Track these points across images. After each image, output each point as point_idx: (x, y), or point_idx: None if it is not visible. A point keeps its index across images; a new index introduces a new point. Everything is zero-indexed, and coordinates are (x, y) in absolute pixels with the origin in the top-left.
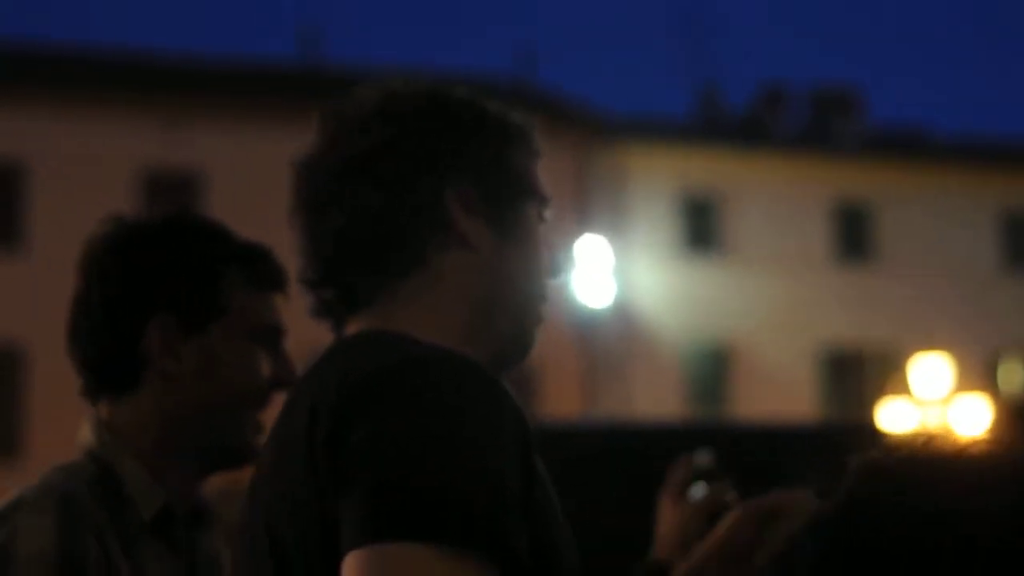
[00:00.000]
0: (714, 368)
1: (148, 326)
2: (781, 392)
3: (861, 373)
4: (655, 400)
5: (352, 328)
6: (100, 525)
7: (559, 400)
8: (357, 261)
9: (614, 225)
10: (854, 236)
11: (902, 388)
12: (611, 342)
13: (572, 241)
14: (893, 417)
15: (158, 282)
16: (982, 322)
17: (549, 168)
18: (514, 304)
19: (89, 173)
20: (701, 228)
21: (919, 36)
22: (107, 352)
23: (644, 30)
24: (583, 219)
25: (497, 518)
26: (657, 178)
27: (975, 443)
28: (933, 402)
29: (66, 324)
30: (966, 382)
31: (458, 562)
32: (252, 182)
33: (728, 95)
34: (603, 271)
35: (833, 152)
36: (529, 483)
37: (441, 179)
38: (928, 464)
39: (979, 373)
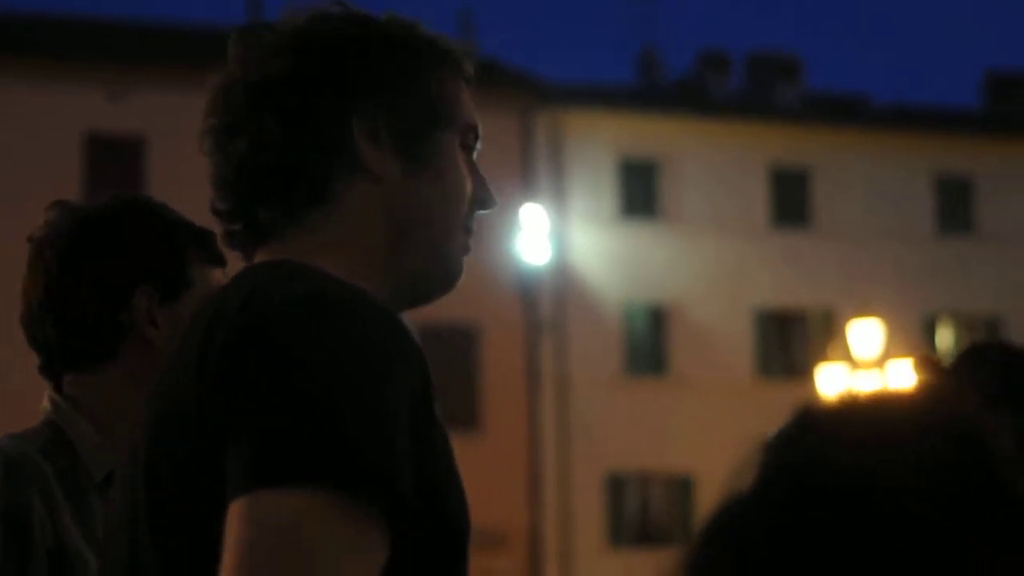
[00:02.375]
0: (652, 329)
1: (134, 297)
2: (719, 353)
3: (799, 335)
4: (594, 361)
5: (259, 258)
6: (48, 484)
7: (500, 357)
8: (260, 191)
9: (556, 189)
10: (792, 200)
11: (839, 351)
12: (552, 302)
13: (515, 204)
14: (830, 380)
15: (142, 256)
16: (917, 285)
17: (491, 134)
18: (427, 236)
19: (33, 137)
20: (641, 192)
21: (856, 5)
22: (90, 325)
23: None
24: (525, 184)
25: (385, 462)
26: (598, 143)
27: (897, 395)
28: (868, 364)
29: (26, 305)
30: (901, 345)
31: (341, 507)
32: (194, 147)
33: (668, 62)
34: (544, 233)
35: (771, 117)
36: (426, 425)
37: (347, 108)
38: (849, 420)
39: (915, 336)
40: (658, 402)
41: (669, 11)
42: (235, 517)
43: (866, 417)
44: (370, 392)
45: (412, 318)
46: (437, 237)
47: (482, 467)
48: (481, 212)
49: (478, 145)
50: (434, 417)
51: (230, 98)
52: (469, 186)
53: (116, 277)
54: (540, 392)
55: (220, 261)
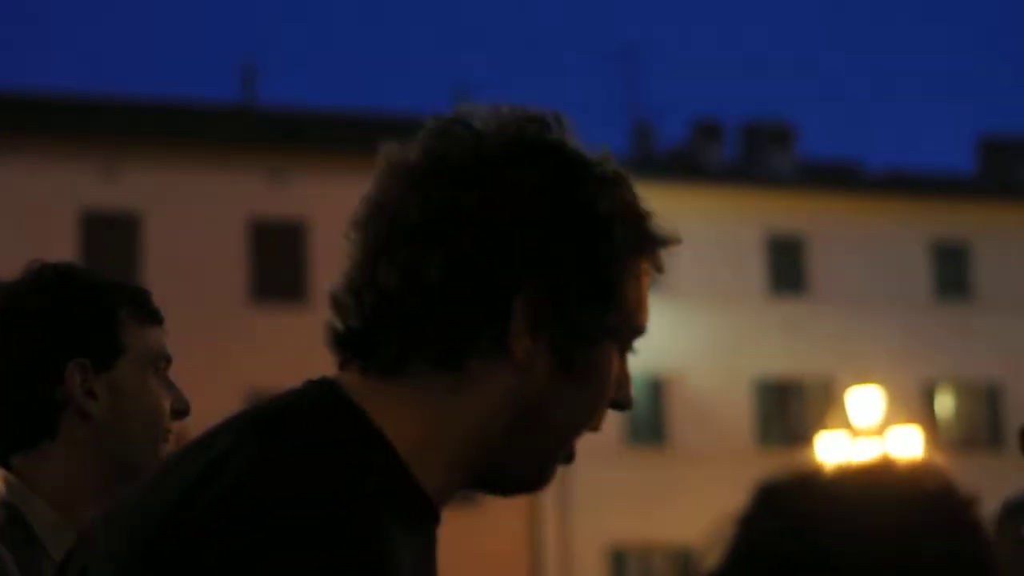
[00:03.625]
0: (652, 399)
1: (66, 371)
2: (718, 422)
3: (798, 404)
4: (593, 433)
5: (347, 377)
6: (5, 569)
7: None
8: (393, 328)
9: None
10: (788, 268)
11: (838, 419)
12: None
13: None
14: (830, 448)
15: (69, 328)
16: (916, 352)
17: None
18: (544, 443)
19: (29, 214)
20: None
21: (848, 72)
22: (24, 405)
23: (577, 68)
24: None
25: None
26: None
27: (869, 470)
28: (868, 432)
29: None
30: (901, 412)
31: None
32: (191, 221)
33: (661, 131)
34: None
35: (766, 185)
36: None
37: (516, 280)
38: (830, 497)
39: (914, 403)
40: (659, 473)
41: (662, 81)
42: None
43: (835, 491)
44: None
45: None
46: (554, 445)
47: (482, 542)
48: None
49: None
50: None
51: (398, 216)
52: (613, 392)
53: (43, 354)
54: None
55: (157, 319)
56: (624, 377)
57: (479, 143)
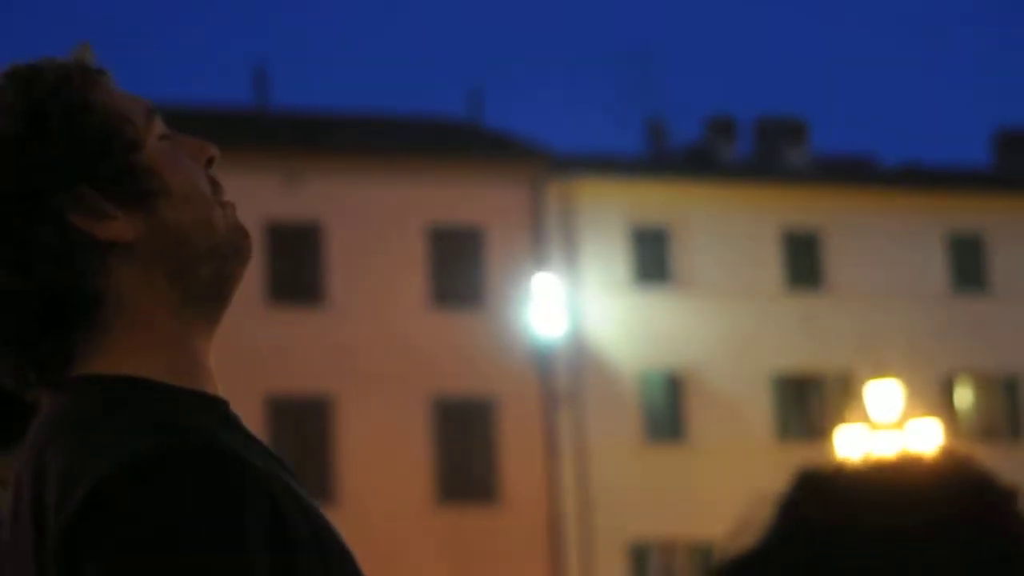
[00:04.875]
0: (670, 396)
1: None
2: (737, 418)
3: (816, 398)
4: (612, 429)
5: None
6: None
7: (518, 429)
8: (31, 337)
9: (568, 259)
10: (804, 263)
11: (857, 413)
12: (568, 371)
13: (528, 276)
14: (849, 442)
15: None
16: (934, 345)
17: (503, 206)
18: (201, 247)
19: None
20: (653, 259)
21: (862, 66)
22: None
23: (591, 67)
24: (537, 254)
25: None
26: (608, 211)
27: (910, 459)
28: (887, 426)
29: None
30: (920, 405)
31: None
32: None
33: (675, 128)
34: (557, 304)
35: (781, 180)
36: (289, 564)
37: (51, 210)
38: (862, 479)
39: (933, 396)
40: (678, 469)
41: (675, 78)
42: None
43: (875, 479)
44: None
45: (425, 393)
46: (209, 239)
47: (503, 540)
48: (212, 166)
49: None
50: (293, 546)
51: None
52: (194, 167)
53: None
54: (559, 463)
55: None
56: (186, 143)
57: None
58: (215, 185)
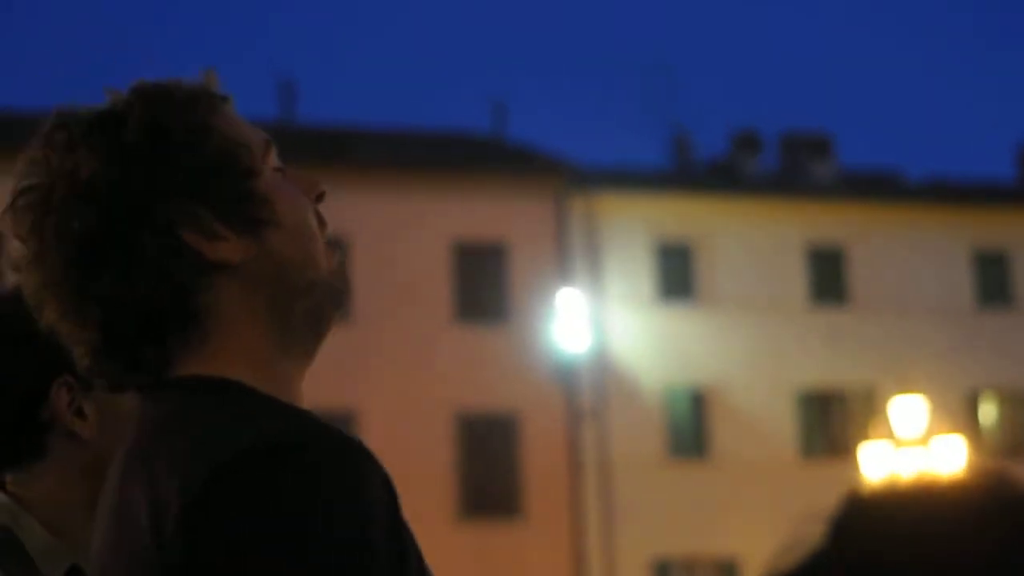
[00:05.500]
0: (694, 412)
1: (51, 390)
2: (761, 434)
3: (840, 414)
4: (636, 445)
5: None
6: None
7: (542, 444)
8: (130, 345)
9: (592, 274)
10: (829, 278)
11: (881, 429)
12: (592, 386)
13: (552, 291)
14: (873, 458)
15: (55, 345)
16: (959, 361)
17: (526, 220)
18: (305, 279)
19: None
20: (677, 274)
21: (887, 81)
22: (9, 425)
23: (615, 81)
24: (561, 269)
25: None
26: (633, 226)
27: (957, 480)
28: (911, 442)
29: None
30: (945, 421)
31: None
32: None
33: (700, 143)
34: (581, 319)
35: (806, 195)
36: (401, 562)
37: (162, 227)
38: (915, 500)
39: (957, 412)
40: (702, 485)
41: (700, 92)
42: None
43: (922, 500)
44: (346, 552)
45: (449, 408)
46: (312, 274)
47: (526, 555)
48: (320, 202)
49: (274, 153)
50: (407, 547)
51: (56, 276)
52: (305, 201)
53: (27, 373)
54: (583, 478)
55: None
56: (297, 177)
57: (63, 177)
58: (321, 221)
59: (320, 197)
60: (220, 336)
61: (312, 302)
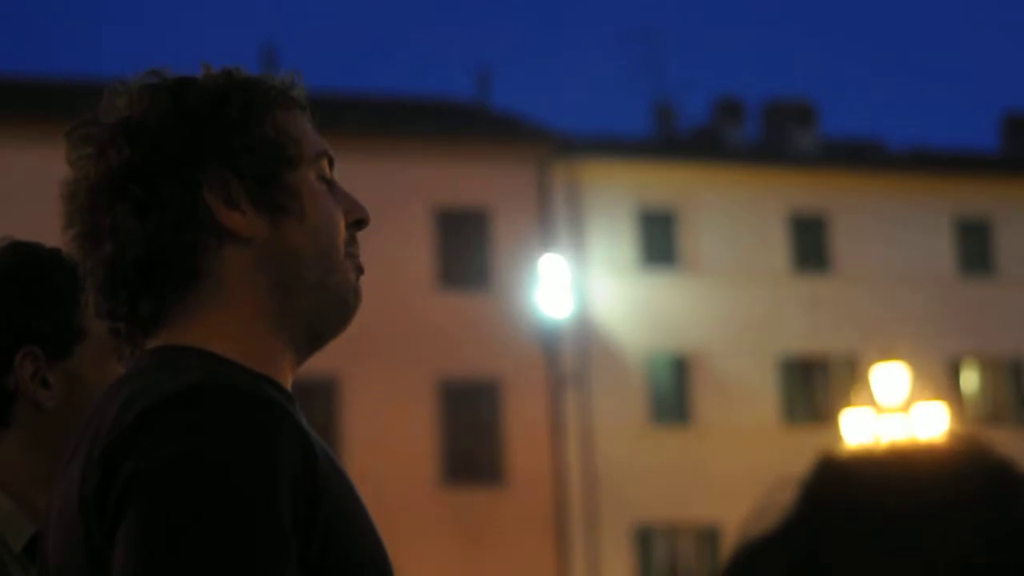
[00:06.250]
0: (676, 378)
1: (15, 360)
2: (743, 401)
3: (822, 381)
4: (618, 411)
5: (146, 349)
6: None
7: (523, 410)
8: (134, 287)
9: (574, 240)
10: (811, 245)
11: (863, 396)
12: (574, 353)
13: (534, 257)
14: (855, 425)
15: (20, 314)
16: (941, 328)
17: (509, 187)
18: (311, 279)
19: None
20: (659, 241)
21: (869, 50)
22: None
23: (597, 49)
24: (544, 236)
25: (258, 570)
26: (615, 193)
27: (929, 443)
28: (893, 409)
29: None
30: (926, 388)
31: None
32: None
33: (683, 110)
34: (563, 285)
35: (788, 163)
36: (312, 514)
37: (193, 181)
38: (888, 463)
39: (939, 380)
40: (684, 452)
41: (683, 61)
42: None
43: (894, 462)
44: (245, 500)
45: (431, 374)
46: (320, 276)
47: (508, 522)
48: (360, 229)
49: (333, 169)
50: (323, 496)
51: (79, 204)
52: (338, 213)
53: None
54: (564, 444)
55: None
56: (344, 198)
57: (118, 111)
58: (352, 242)
59: (359, 224)
60: (216, 303)
61: (316, 301)
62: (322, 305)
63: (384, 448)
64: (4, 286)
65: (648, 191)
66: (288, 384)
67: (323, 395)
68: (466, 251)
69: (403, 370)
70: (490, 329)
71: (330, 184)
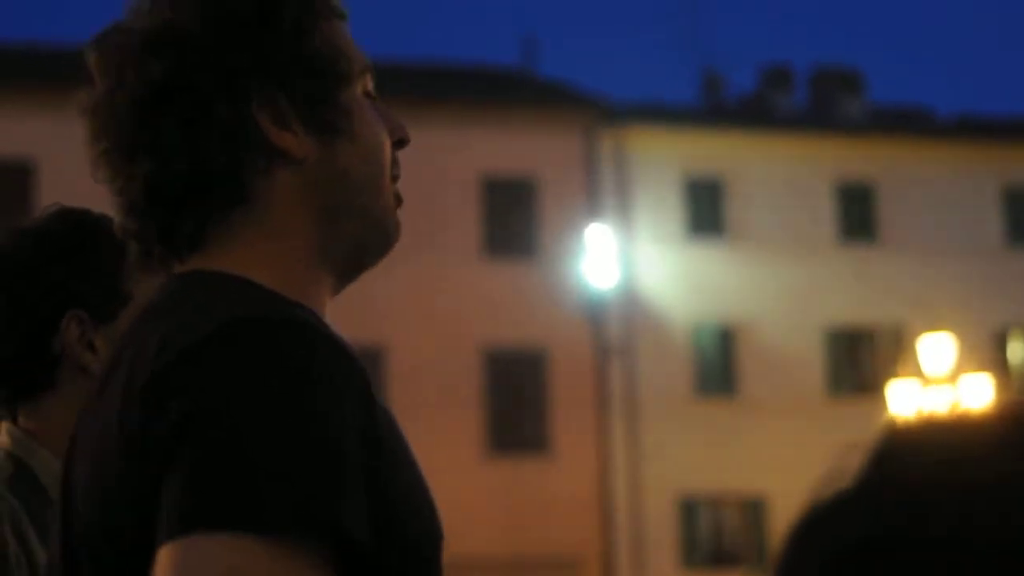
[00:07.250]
0: (722, 349)
1: (62, 323)
2: (788, 372)
3: (868, 352)
4: (664, 382)
5: (178, 273)
6: (18, 518)
7: (569, 380)
8: (174, 207)
9: (621, 209)
10: (858, 215)
11: (909, 367)
12: (620, 323)
13: (581, 226)
14: (901, 396)
15: (67, 278)
16: (987, 299)
17: (556, 155)
18: (359, 204)
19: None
20: (706, 210)
21: (918, 17)
22: (20, 357)
23: (646, 16)
24: (590, 204)
25: (330, 499)
26: (662, 162)
27: (991, 412)
28: (939, 380)
29: None
30: (972, 359)
31: (280, 551)
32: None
33: (730, 79)
34: (610, 255)
35: (835, 131)
36: (375, 450)
37: (241, 96)
38: (951, 429)
39: (985, 350)
40: (729, 423)
41: (731, 29)
42: (163, 564)
43: (962, 431)
44: (316, 423)
45: (477, 343)
46: (368, 201)
47: (553, 492)
48: (401, 148)
49: (371, 84)
50: (381, 434)
51: (117, 117)
52: (384, 133)
53: (38, 304)
54: (610, 415)
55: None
56: (385, 115)
57: (157, 20)
58: (395, 164)
59: (401, 142)
60: (261, 229)
61: (361, 227)
62: (367, 232)
63: (429, 416)
64: (53, 252)
65: (695, 160)
66: (325, 317)
67: (369, 363)
68: (512, 220)
69: (448, 339)
70: (536, 298)
71: (374, 102)
